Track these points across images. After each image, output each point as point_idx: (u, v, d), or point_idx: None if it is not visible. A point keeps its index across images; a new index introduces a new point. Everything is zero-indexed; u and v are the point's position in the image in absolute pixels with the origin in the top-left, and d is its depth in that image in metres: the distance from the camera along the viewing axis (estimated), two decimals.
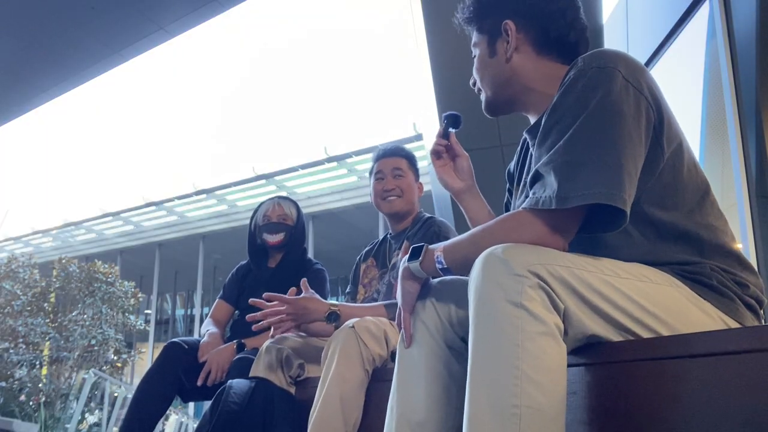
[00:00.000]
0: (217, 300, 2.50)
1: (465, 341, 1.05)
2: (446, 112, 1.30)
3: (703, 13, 2.94)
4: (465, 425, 0.81)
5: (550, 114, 0.98)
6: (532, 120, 1.17)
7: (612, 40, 4.10)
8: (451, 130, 1.30)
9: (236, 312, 2.45)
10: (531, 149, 1.17)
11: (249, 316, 1.68)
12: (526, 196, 1.07)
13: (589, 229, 0.94)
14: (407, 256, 1.06)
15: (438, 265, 0.99)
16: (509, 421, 0.77)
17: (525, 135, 1.20)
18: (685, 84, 3.33)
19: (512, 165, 1.29)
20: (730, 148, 2.56)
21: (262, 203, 2.53)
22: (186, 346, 2.13)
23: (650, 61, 3.52)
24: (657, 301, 0.89)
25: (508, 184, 1.30)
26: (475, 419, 0.80)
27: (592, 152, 0.89)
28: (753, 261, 2.37)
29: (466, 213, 1.32)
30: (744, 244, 2.42)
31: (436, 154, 1.32)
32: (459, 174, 1.33)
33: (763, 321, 1.01)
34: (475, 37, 1.20)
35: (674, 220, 0.97)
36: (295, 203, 2.52)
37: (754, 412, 0.69)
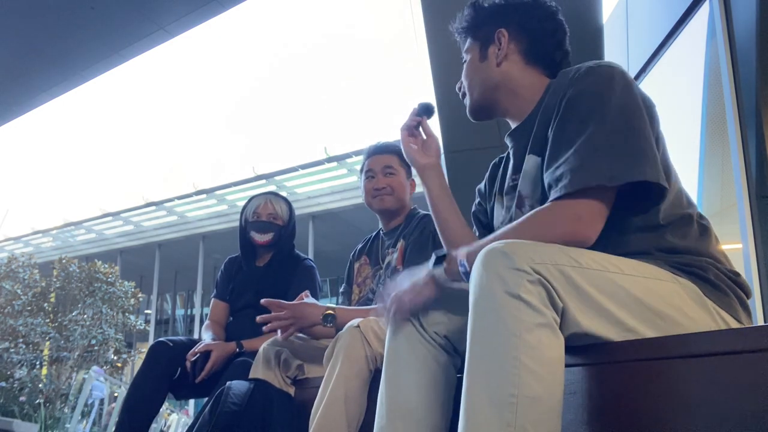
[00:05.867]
0: (212, 300, 2.48)
1: (447, 338, 1.10)
2: (425, 104, 1.37)
3: (703, 13, 2.94)
4: (462, 413, 0.82)
5: (565, 108, 1.03)
6: (514, 124, 1.23)
7: (612, 40, 4.10)
8: (423, 116, 1.38)
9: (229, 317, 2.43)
10: (510, 157, 1.24)
11: (259, 318, 1.67)
12: (519, 201, 1.13)
13: (625, 210, 0.98)
14: (431, 263, 1.08)
15: (461, 269, 1.01)
16: (506, 410, 0.77)
17: (507, 139, 1.25)
18: (685, 84, 3.33)
19: (483, 185, 1.36)
20: (730, 148, 2.56)
21: (253, 197, 2.44)
22: (171, 344, 2.12)
23: (650, 61, 3.52)
24: (661, 299, 0.91)
25: (478, 199, 1.37)
26: (473, 407, 0.81)
27: (626, 138, 0.96)
28: (753, 261, 2.36)
29: (427, 191, 1.34)
30: (744, 244, 2.42)
31: (408, 129, 1.36)
32: (426, 152, 1.36)
33: (752, 314, 1.03)
34: (467, 44, 1.28)
35: (661, 213, 1.02)
36: (287, 201, 2.44)
37: (754, 413, 0.69)
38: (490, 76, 1.22)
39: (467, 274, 1.00)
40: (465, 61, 1.28)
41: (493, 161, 1.36)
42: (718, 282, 0.97)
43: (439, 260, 1.07)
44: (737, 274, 1.01)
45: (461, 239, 1.24)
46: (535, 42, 1.20)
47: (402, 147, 1.37)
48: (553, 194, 0.97)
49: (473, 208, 1.38)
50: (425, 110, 1.37)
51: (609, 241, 1.01)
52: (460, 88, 1.30)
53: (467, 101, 1.28)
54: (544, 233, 0.92)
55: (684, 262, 0.98)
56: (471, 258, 0.99)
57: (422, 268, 1.12)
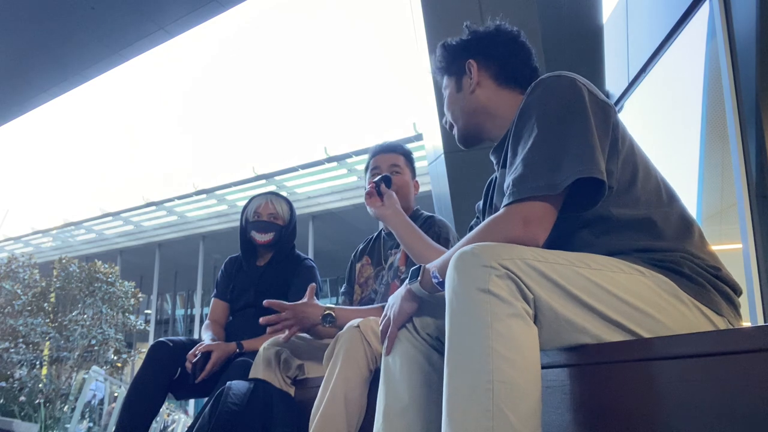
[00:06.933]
0: (212, 300, 2.47)
1: (439, 339, 1.14)
2: (382, 176, 1.75)
3: (703, 13, 2.94)
4: (444, 404, 0.86)
5: (517, 120, 1.10)
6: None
7: (612, 40, 4.10)
8: (382, 184, 1.73)
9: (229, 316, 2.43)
10: (496, 173, 1.32)
11: (263, 319, 1.66)
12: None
13: (572, 209, 1.04)
14: (408, 278, 1.15)
15: (434, 280, 1.08)
16: (484, 396, 0.82)
17: (491, 157, 1.33)
18: (685, 84, 3.33)
19: (481, 201, 1.43)
20: (730, 148, 2.56)
21: (253, 197, 2.44)
22: (171, 344, 2.11)
23: (650, 61, 3.52)
24: (630, 290, 0.94)
25: (477, 214, 1.45)
26: (453, 397, 0.86)
27: (564, 142, 1.01)
28: (753, 261, 2.37)
29: (394, 230, 1.60)
30: (744, 244, 2.42)
31: (370, 193, 1.71)
32: (386, 204, 1.67)
33: (739, 309, 1.03)
34: (444, 81, 1.41)
35: (633, 212, 1.06)
36: (287, 201, 2.43)
37: (746, 412, 0.69)
38: (468, 104, 1.33)
39: (441, 284, 1.06)
40: (445, 98, 1.40)
41: (490, 178, 1.44)
42: (695, 276, 1.00)
43: (415, 274, 1.13)
44: (718, 269, 1.03)
45: (433, 257, 1.34)
46: (503, 65, 1.31)
47: (367, 206, 1.70)
48: (504, 200, 1.04)
49: (471, 223, 1.43)
50: (383, 179, 1.73)
51: (583, 243, 1.06)
52: (446, 122, 1.42)
53: (455, 132, 1.38)
54: (497, 236, 0.99)
55: (658, 258, 1.02)
56: (442, 268, 1.06)
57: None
